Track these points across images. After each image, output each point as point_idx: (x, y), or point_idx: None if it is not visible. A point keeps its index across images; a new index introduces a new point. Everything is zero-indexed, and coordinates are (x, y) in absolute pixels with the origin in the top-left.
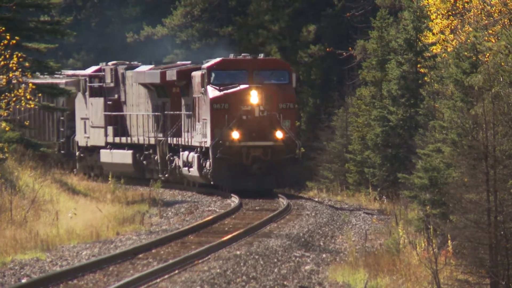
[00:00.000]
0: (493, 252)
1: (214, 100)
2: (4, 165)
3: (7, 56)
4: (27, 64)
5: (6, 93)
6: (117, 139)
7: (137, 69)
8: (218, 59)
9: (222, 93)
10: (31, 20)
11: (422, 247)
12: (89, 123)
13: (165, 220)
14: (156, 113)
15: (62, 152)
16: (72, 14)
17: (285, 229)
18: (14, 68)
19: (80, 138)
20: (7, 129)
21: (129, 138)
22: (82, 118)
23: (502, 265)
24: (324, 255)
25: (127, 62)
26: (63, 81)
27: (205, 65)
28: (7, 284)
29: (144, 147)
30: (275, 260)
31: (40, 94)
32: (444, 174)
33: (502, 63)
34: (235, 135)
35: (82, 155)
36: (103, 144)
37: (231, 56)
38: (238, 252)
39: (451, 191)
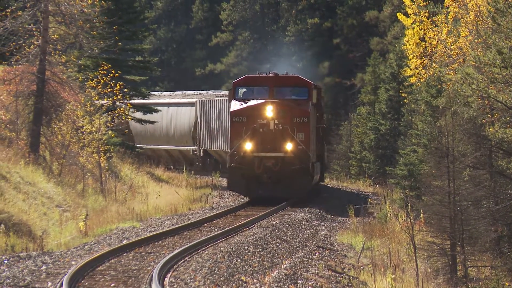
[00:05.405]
0: (452, 222)
1: (233, 114)
2: (111, 161)
3: (112, 84)
4: (126, 90)
5: (112, 111)
6: None
7: None
8: (243, 76)
9: (240, 107)
10: (129, 60)
11: (403, 219)
12: None
13: (223, 200)
14: None
15: None
16: (158, 55)
17: (307, 206)
18: (117, 93)
19: None
20: (112, 135)
21: None
22: None
23: (458, 231)
24: (334, 224)
25: None
26: None
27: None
28: (113, 244)
29: None
30: (300, 227)
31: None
32: (418, 168)
33: (459, 90)
34: (248, 146)
35: None
36: None
37: (257, 73)
38: (274, 222)
39: (423, 179)
